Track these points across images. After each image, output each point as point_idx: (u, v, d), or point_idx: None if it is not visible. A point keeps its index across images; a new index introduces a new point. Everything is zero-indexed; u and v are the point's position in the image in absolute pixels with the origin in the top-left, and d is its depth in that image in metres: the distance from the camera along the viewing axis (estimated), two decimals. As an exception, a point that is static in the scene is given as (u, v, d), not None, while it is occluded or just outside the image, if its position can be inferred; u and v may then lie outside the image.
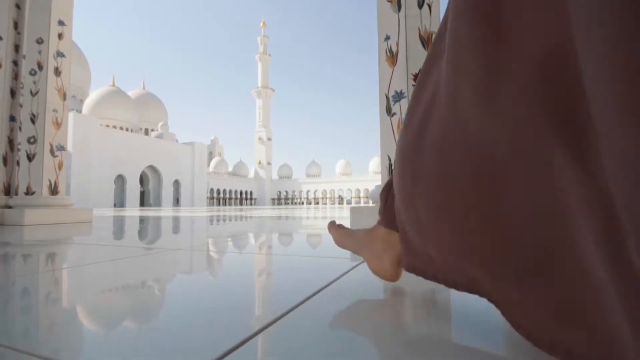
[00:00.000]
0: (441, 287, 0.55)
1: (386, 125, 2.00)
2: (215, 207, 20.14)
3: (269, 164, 50.15)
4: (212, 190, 43.14)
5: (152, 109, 42.51)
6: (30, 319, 0.60)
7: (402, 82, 1.96)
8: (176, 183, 37.39)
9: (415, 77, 1.95)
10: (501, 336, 0.46)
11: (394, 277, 0.65)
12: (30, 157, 3.21)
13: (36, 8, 3.39)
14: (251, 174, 49.86)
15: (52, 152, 3.30)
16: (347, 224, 2.16)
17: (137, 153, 32.77)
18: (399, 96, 1.96)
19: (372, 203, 2.16)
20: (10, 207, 3.18)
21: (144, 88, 44.71)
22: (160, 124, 38.96)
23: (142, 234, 2.30)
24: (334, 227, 0.85)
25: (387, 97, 2.01)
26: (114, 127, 34.79)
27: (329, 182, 46.98)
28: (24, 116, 3.27)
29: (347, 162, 50.42)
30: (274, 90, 50.76)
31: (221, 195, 44.99)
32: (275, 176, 50.99)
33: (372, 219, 1.82)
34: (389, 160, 1.99)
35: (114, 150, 30.26)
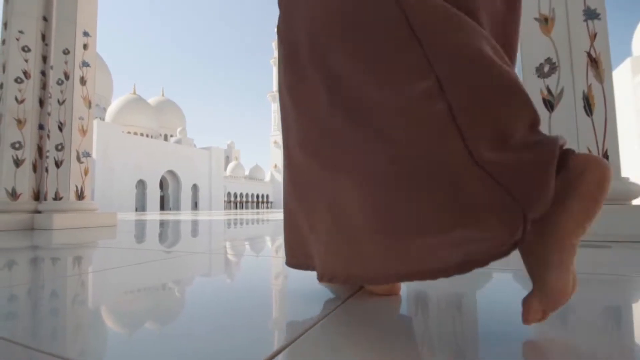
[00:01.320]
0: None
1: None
2: (232, 211, 20.38)
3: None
4: (229, 194, 43.77)
5: (170, 115, 43.57)
6: (57, 322, 0.61)
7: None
8: (194, 187, 38.12)
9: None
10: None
11: (390, 291, 0.68)
12: (58, 164, 3.33)
13: (62, 20, 3.53)
14: (267, 178, 50.28)
15: (78, 158, 3.41)
16: None
17: (157, 158, 33.62)
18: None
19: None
20: (39, 212, 3.30)
21: (163, 95, 45.92)
22: (178, 129, 39.87)
23: (164, 237, 2.33)
24: None
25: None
26: (135, 133, 35.85)
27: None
28: (52, 124, 3.39)
29: (363, 164, 50.06)
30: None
31: (238, 198, 45.56)
32: (291, 179, 51.18)
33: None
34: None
35: (135, 156, 31.16)
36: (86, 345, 0.50)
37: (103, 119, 35.37)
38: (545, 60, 1.76)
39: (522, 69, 1.81)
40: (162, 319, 0.61)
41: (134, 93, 39.86)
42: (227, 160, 49.13)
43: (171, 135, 41.94)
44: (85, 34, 3.57)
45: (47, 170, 3.38)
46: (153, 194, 33.25)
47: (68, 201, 3.31)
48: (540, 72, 1.77)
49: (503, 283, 0.85)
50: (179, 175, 35.87)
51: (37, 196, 3.46)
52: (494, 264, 1.09)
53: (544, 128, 1.70)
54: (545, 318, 0.45)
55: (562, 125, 1.70)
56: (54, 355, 0.44)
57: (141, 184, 32.72)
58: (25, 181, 3.35)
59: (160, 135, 41.17)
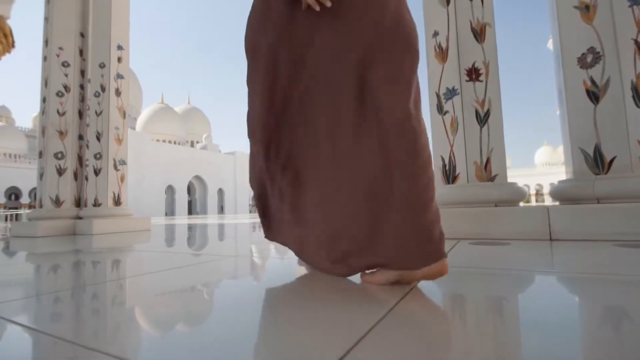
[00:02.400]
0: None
1: (438, 124, 1.91)
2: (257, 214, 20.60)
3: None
4: (253, 197, 44.40)
5: (196, 122, 44.92)
6: (99, 321, 0.64)
7: (454, 79, 1.86)
8: (220, 192, 39.05)
9: (468, 72, 1.85)
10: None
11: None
12: (96, 172, 3.50)
13: (98, 35, 3.71)
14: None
15: (115, 166, 3.57)
16: None
17: (185, 164, 34.73)
18: (451, 93, 1.87)
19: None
20: (80, 218, 3.48)
21: (188, 103, 47.44)
22: (204, 135, 41.04)
23: (195, 241, 2.39)
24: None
25: (437, 95, 1.92)
26: (164, 141, 37.23)
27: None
28: (90, 134, 3.57)
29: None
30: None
31: (262, 202, 46.08)
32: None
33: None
34: (442, 160, 1.90)
35: (164, 162, 32.34)
36: (126, 344, 0.52)
37: (134, 128, 36.98)
38: (588, 49, 1.66)
39: (562, 60, 1.71)
40: (194, 320, 0.61)
41: (162, 102, 41.45)
42: (251, 164, 49.86)
43: (197, 142, 43.21)
44: (119, 47, 3.74)
45: (86, 178, 3.56)
46: (181, 199, 34.36)
47: (106, 207, 3.47)
48: (582, 63, 1.67)
49: (545, 286, 0.80)
50: (205, 180, 36.87)
51: (78, 203, 3.65)
52: (535, 267, 1.02)
53: (588, 121, 1.60)
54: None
55: (609, 118, 1.59)
56: (97, 351, 0.47)
57: (170, 190, 33.89)
58: (67, 189, 3.55)
59: (187, 142, 42.51)
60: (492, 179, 1.77)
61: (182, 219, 11.85)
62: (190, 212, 36.87)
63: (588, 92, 1.65)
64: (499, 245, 1.39)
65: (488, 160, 1.78)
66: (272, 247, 1.72)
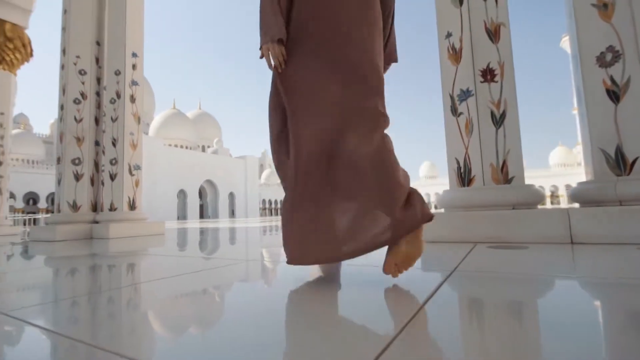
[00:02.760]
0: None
1: (452, 126, 1.89)
2: (268, 218, 20.78)
3: (317, 173, 50.64)
4: (263, 201, 44.70)
5: (207, 126, 45.50)
6: (114, 323, 0.65)
7: (469, 80, 1.83)
8: (231, 195, 39.37)
9: (483, 73, 1.82)
10: None
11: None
12: (112, 177, 3.57)
13: (113, 44, 3.80)
14: (300, 184, 50.71)
15: (130, 171, 3.63)
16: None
17: (196, 169, 35.17)
18: (465, 94, 1.84)
19: (441, 208, 2.04)
20: (97, 222, 3.55)
21: (200, 108, 48.12)
22: (215, 140, 41.53)
23: (209, 245, 2.41)
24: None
25: (451, 97, 1.90)
26: (176, 145, 37.79)
27: (379, 189, 46.11)
28: (106, 140, 3.65)
29: (396, 167, 49.21)
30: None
31: (272, 205, 46.39)
32: (323, 185, 51.35)
33: (444, 228, 1.70)
34: (457, 163, 1.87)
35: (176, 167, 32.82)
36: (141, 345, 0.53)
37: (147, 134, 37.68)
38: (607, 48, 1.62)
39: (580, 59, 1.68)
40: (209, 323, 0.61)
41: (174, 108, 42.15)
42: (262, 168, 50.31)
43: (208, 146, 43.73)
44: (134, 55, 3.82)
45: (102, 183, 3.63)
46: (193, 203, 34.76)
47: (122, 211, 3.53)
48: (601, 62, 1.63)
49: (567, 291, 0.78)
50: (216, 184, 37.25)
51: (95, 207, 3.72)
52: (556, 271, 0.99)
53: (608, 121, 1.56)
54: (400, 272, 0.85)
55: (631, 118, 1.55)
56: (114, 353, 0.48)
57: (182, 194, 34.34)
58: (84, 194, 3.62)
59: (198, 146, 43.06)
60: (509, 181, 1.74)
61: (194, 223, 11.99)
62: (201, 215, 37.26)
63: (608, 91, 1.61)
64: (518, 249, 1.36)
65: (504, 162, 1.75)
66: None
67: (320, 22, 0.96)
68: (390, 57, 1.24)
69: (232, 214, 39.20)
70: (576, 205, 1.73)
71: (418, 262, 1.30)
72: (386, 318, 0.60)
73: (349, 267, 1.13)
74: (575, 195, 1.69)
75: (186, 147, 39.34)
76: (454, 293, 0.77)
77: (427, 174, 46.63)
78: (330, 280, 0.96)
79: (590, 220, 1.50)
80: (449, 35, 1.92)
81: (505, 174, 1.75)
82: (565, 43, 34.89)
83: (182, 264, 1.43)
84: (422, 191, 42.45)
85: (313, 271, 1.07)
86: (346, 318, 0.61)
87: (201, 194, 37.41)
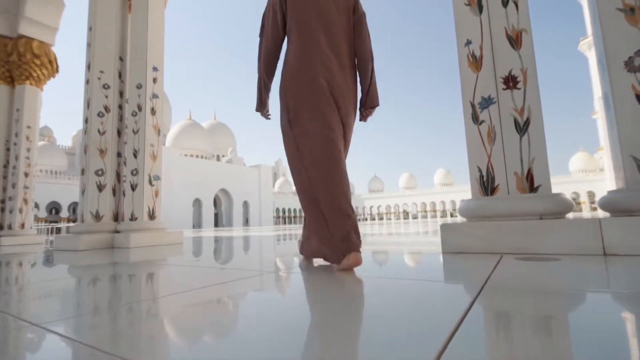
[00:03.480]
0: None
1: (473, 134, 1.85)
2: (281, 226, 20.79)
3: (330, 181, 50.59)
4: (277, 209, 44.87)
5: (222, 136, 46.30)
6: (134, 332, 0.66)
7: (490, 87, 1.81)
8: (245, 204, 39.72)
9: (505, 80, 1.79)
10: None
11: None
12: (133, 187, 3.65)
13: (135, 59, 3.93)
14: (314, 192, 50.72)
15: (150, 182, 3.71)
16: (434, 242, 1.96)
17: (211, 178, 35.71)
18: (487, 102, 1.81)
19: (462, 217, 1.99)
20: (118, 232, 3.62)
21: (215, 118, 49.08)
22: (229, 149, 42.17)
23: (226, 255, 2.42)
24: None
25: (472, 105, 1.87)
26: (192, 155, 38.54)
27: (393, 197, 45.63)
28: (127, 152, 3.75)
29: (411, 175, 48.72)
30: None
31: (286, 214, 46.51)
32: (337, 193, 51.21)
33: (468, 238, 1.66)
34: (479, 171, 1.83)
35: (192, 176, 33.41)
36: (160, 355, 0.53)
37: (164, 144, 38.59)
38: (636, 52, 1.57)
39: (607, 64, 1.63)
40: (228, 336, 0.60)
41: (190, 118, 43.11)
42: (275, 177, 50.66)
43: (223, 156, 44.41)
44: (155, 69, 3.94)
45: (124, 193, 3.72)
46: (208, 212, 35.21)
47: (142, 221, 3.60)
48: (629, 66, 1.58)
49: (600, 305, 0.74)
50: (230, 193, 37.68)
51: (116, 217, 3.81)
52: (588, 285, 0.95)
53: (639, 126, 1.51)
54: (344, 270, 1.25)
55: (665, 124, 1.48)
56: None
57: (197, 203, 34.86)
58: (106, 204, 3.72)
59: (213, 156, 43.79)
60: (534, 190, 1.69)
61: (209, 231, 12.11)
62: (216, 224, 37.66)
63: (638, 96, 1.56)
64: (550, 261, 1.31)
65: (529, 171, 1.71)
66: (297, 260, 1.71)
67: (304, 72, 1.46)
68: (373, 101, 1.55)
69: (246, 222, 39.48)
70: (606, 214, 1.66)
71: (448, 274, 1.27)
72: (420, 339, 0.58)
73: (376, 280, 1.12)
74: (606, 204, 1.63)
75: (201, 157, 40.06)
76: (490, 310, 0.75)
77: (442, 181, 45.92)
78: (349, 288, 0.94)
79: (623, 231, 1.43)
80: (468, 42, 1.91)
81: (530, 182, 1.70)
82: (584, 46, 34.12)
83: (202, 275, 1.43)
84: (437, 199, 41.77)
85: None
86: (379, 340, 0.59)
87: (216, 202, 37.88)
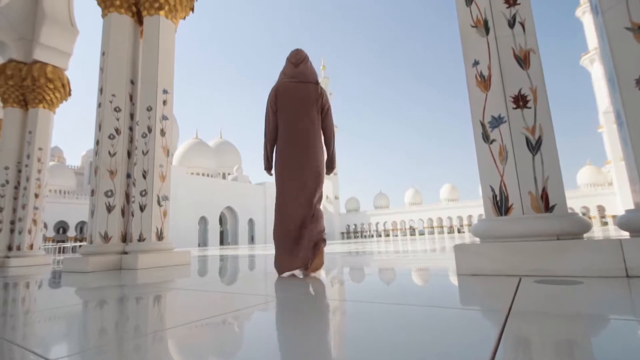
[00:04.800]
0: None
1: (484, 154, 1.84)
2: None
3: (336, 198, 50.54)
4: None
5: (228, 154, 46.70)
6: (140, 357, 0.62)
7: (500, 106, 1.81)
8: (250, 222, 39.61)
9: (515, 99, 1.79)
10: None
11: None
12: (142, 208, 3.66)
13: (146, 82, 4.03)
14: (319, 209, 50.51)
15: (158, 202, 3.73)
16: (445, 262, 1.92)
17: (217, 196, 35.82)
18: (497, 121, 1.81)
19: (475, 237, 1.96)
20: (126, 253, 3.61)
21: (221, 137, 49.67)
22: (235, 167, 42.44)
23: (236, 278, 2.39)
24: None
25: (482, 124, 1.87)
26: (198, 174, 38.84)
27: (399, 213, 45.25)
28: (137, 173, 3.79)
29: (416, 191, 48.45)
30: (337, 126, 52.34)
31: (292, 231, 46.10)
32: (343, 210, 51.01)
33: (483, 259, 1.62)
34: (492, 190, 1.81)
35: (198, 194, 33.55)
36: None
37: (171, 163, 39.01)
38: (647, 70, 1.57)
39: (618, 83, 1.63)
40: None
41: (196, 137, 43.70)
42: (280, 194, 50.54)
43: (229, 173, 44.67)
44: (165, 91, 4.03)
45: (132, 214, 3.73)
46: (214, 230, 35.13)
47: (150, 242, 3.59)
48: (641, 84, 1.57)
49: (624, 332, 0.70)
50: (236, 211, 37.68)
51: (124, 238, 3.81)
52: (611, 309, 0.91)
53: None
54: (311, 273, 2.07)
55: (682, 141, 1.46)
56: None
57: (203, 220, 34.84)
58: (115, 225, 3.73)
59: (219, 173, 44.07)
60: (550, 209, 1.66)
61: (215, 250, 12.04)
62: (221, 242, 37.49)
63: (652, 114, 1.54)
64: (573, 285, 1.27)
65: (544, 190, 1.68)
66: (311, 288, 1.68)
67: (285, 154, 2.20)
68: (331, 165, 2.40)
69: (252, 240, 39.27)
70: (625, 234, 1.62)
71: (466, 298, 1.24)
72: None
73: (398, 307, 1.08)
74: (625, 223, 1.59)
75: (207, 175, 40.35)
76: (523, 342, 0.71)
77: (448, 196, 45.56)
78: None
79: (645, 251, 1.39)
80: (476, 63, 1.92)
81: (545, 202, 1.67)
82: (586, 61, 34.34)
83: (214, 301, 1.41)
84: (443, 214, 41.35)
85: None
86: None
87: (221, 220, 37.84)
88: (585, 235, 1.67)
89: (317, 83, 2.30)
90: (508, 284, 1.37)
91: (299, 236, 2.04)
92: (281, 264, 2.09)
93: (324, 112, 2.28)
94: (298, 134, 2.15)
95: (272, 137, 2.27)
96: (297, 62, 2.28)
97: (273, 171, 2.28)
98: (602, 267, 1.44)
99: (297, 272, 2.14)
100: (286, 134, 2.18)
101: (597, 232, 11.28)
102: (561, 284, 1.29)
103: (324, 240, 2.12)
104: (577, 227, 1.61)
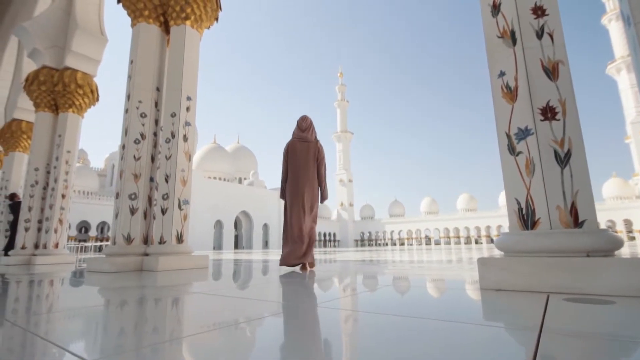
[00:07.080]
0: None
1: (510, 166, 1.81)
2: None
3: (350, 205, 50.31)
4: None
5: (244, 159, 47.36)
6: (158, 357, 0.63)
7: (527, 118, 1.77)
8: (265, 227, 39.86)
9: (542, 111, 1.76)
10: None
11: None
12: (163, 211, 3.75)
13: (171, 89, 4.15)
14: (334, 216, 50.51)
15: (179, 206, 3.81)
16: (474, 274, 1.86)
17: (233, 200, 36.27)
18: (524, 133, 1.78)
19: (500, 251, 1.91)
20: (147, 255, 3.70)
21: (238, 142, 50.49)
22: (251, 172, 42.95)
23: (254, 284, 2.40)
24: None
25: (507, 135, 1.84)
26: (215, 178, 39.50)
27: (414, 222, 44.56)
28: (160, 177, 3.89)
29: (433, 199, 47.70)
30: (352, 133, 52.32)
31: (305, 237, 46.08)
32: (357, 217, 50.68)
33: (508, 274, 1.58)
34: (518, 204, 1.77)
35: (214, 198, 34.07)
36: None
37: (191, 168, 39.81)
38: (684, 83, 1.51)
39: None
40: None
41: (214, 142, 44.56)
42: (295, 199, 50.73)
43: (245, 178, 45.22)
44: (188, 98, 4.15)
45: (154, 217, 3.83)
46: (228, 234, 35.53)
47: (170, 244, 3.67)
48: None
49: None
50: (251, 215, 38.02)
51: (146, 240, 3.91)
52: None
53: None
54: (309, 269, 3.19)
55: None
56: None
57: (218, 224, 35.30)
58: (137, 227, 3.83)
59: (235, 178, 44.68)
60: (580, 225, 1.61)
61: (230, 254, 12.16)
62: (236, 246, 37.83)
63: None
64: (605, 304, 1.22)
65: (573, 204, 1.63)
66: (323, 292, 1.67)
67: (291, 188, 3.33)
68: (323, 196, 3.40)
69: (266, 244, 39.46)
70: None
71: (499, 317, 1.21)
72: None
73: (421, 322, 1.07)
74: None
75: (224, 179, 40.96)
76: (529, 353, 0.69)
77: (466, 206, 44.63)
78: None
79: (683, 272, 1.32)
80: (502, 74, 1.90)
81: (575, 217, 1.62)
82: (612, 70, 33.25)
83: (234, 306, 1.42)
84: (460, 224, 40.48)
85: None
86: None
87: (236, 224, 38.24)
88: (616, 252, 1.61)
89: (316, 142, 3.43)
90: (536, 300, 1.33)
91: (299, 238, 3.15)
92: (285, 258, 3.14)
93: (319, 162, 3.39)
94: (300, 176, 3.27)
95: (285, 177, 3.41)
96: (303, 128, 3.44)
97: (285, 198, 3.42)
98: (637, 286, 1.38)
99: (296, 269, 3.17)
100: (293, 175, 3.32)
101: (624, 247, 10.78)
102: (593, 303, 1.24)
103: (314, 242, 3.28)
104: (609, 244, 1.55)
